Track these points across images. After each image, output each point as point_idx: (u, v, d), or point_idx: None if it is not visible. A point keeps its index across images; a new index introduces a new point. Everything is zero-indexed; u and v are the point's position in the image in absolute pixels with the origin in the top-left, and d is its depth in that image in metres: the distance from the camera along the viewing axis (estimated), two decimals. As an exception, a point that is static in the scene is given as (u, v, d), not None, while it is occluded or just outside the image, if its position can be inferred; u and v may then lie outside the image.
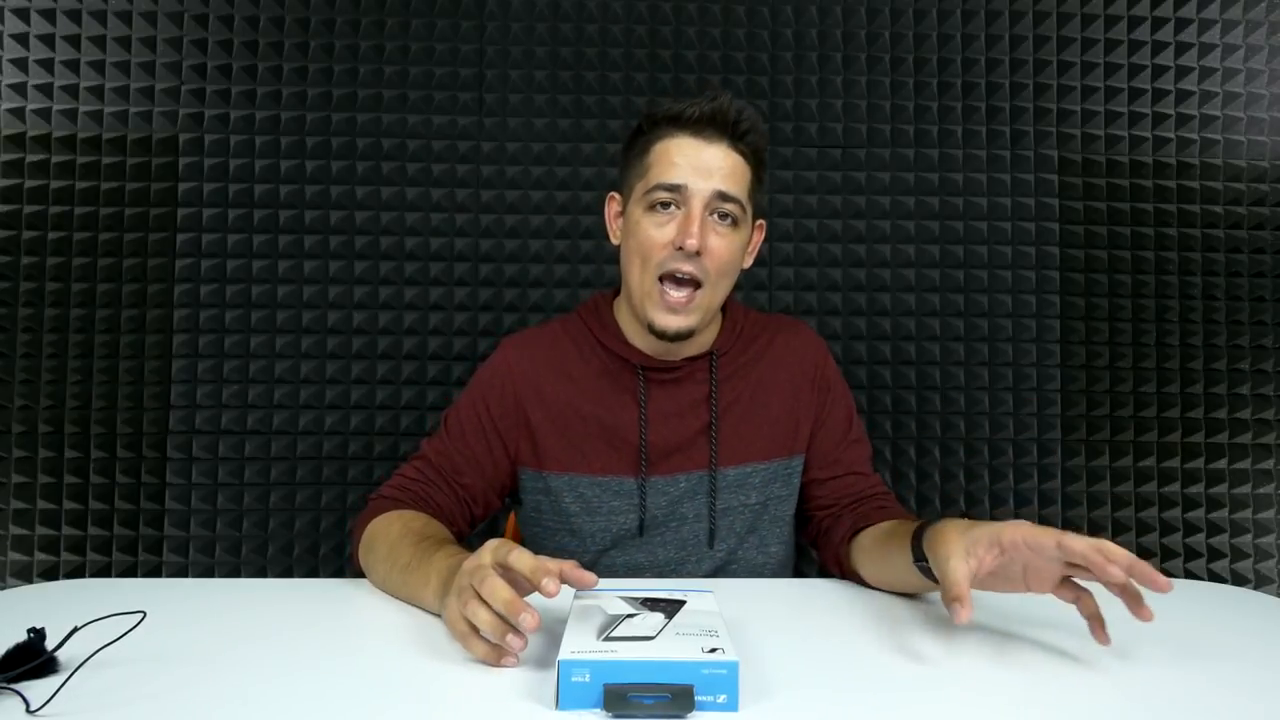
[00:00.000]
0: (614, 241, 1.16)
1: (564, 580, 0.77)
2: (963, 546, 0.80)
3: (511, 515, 1.40)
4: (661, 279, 1.07)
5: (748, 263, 1.16)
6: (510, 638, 0.74)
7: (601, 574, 1.13)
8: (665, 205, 1.06)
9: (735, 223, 1.08)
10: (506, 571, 0.77)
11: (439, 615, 0.85)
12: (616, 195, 1.16)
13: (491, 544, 0.79)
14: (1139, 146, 1.81)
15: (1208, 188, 1.81)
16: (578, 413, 1.15)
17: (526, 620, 0.72)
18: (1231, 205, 1.80)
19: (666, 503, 1.14)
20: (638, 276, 1.09)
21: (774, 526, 1.18)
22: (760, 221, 1.17)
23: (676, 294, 1.06)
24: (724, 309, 1.21)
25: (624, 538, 1.14)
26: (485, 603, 0.75)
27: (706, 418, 1.15)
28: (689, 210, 1.05)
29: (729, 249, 1.07)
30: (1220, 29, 1.80)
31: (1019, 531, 0.79)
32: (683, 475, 1.14)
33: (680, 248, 1.04)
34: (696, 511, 1.15)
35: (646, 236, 1.07)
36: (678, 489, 1.14)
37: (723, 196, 1.05)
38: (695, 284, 1.07)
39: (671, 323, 1.07)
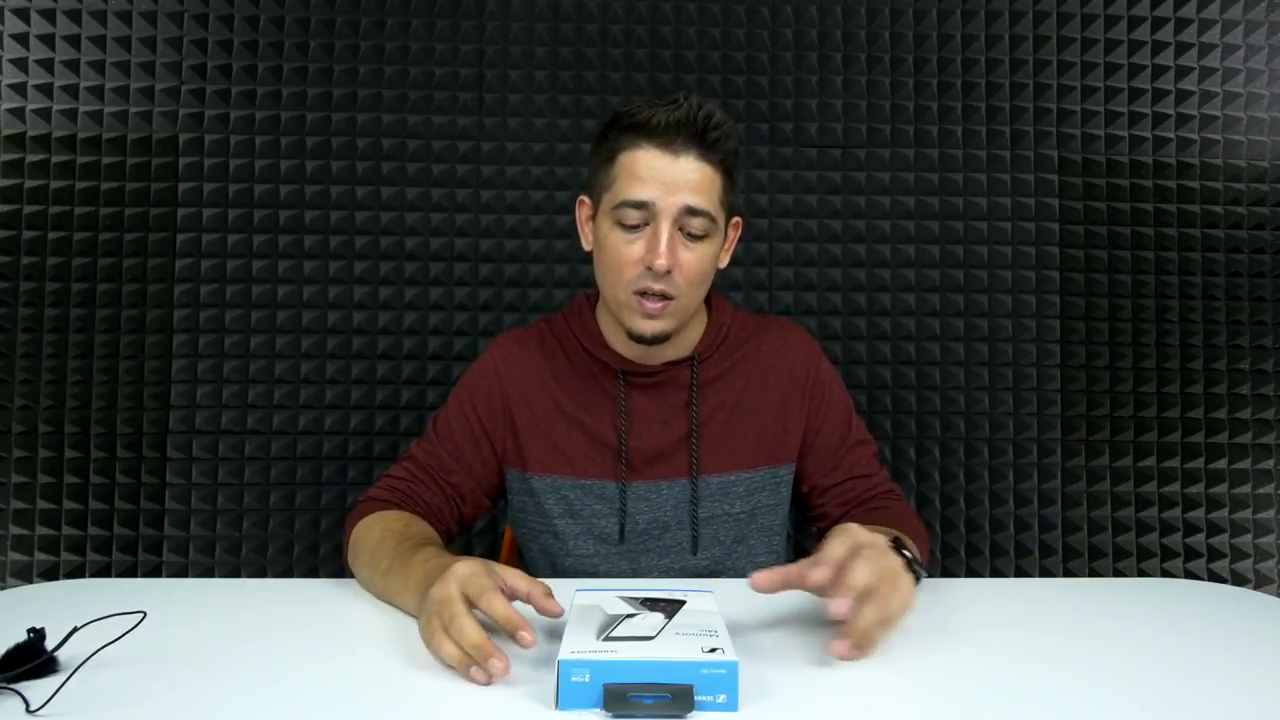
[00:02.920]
0: (586, 247, 1.12)
1: (529, 601, 0.77)
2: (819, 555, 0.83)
3: (508, 526, 1.40)
4: (635, 293, 1.04)
5: (724, 262, 1.13)
6: (474, 671, 0.72)
7: (583, 579, 1.11)
8: (633, 223, 1.03)
9: (706, 235, 1.04)
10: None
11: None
12: (586, 199, 1.12)
13: (461, 572, 0.77)
14: (1139, 146, 1.81)
15: (1208, 188, 1.81)
16: (562, 414, 1.14)
17: (495, 666, 0.71)
18: (1231, 205, 1.80)
19: (649, 509, 1.13)
20: (611, 290, 1.07)
21: (763, 536, 1.17)
22: (736, 219, 1.13)
23: (651, 304, 1.04)
24: (710, 309, 1.19)
25: (605, 542, 1.13)
26: (454, 639, 0.73)
27: (688, 424, 1.13)
28: (656, 228, 1.01)
29: (699, 261, 1.04)
30: (1220, 29, 1.80)
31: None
32: (665, 482, 1.13)
33: (650, 268, 1.01)
34: (679, 519, 1.13)
35: (617, 253, 1.04)
36: (660, 495, 1.13)
37: (691, 211, 1.02)
38: (667, 298, 1.04)
39: (649, 327, 1.05)
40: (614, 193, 1.03)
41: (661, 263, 1.00)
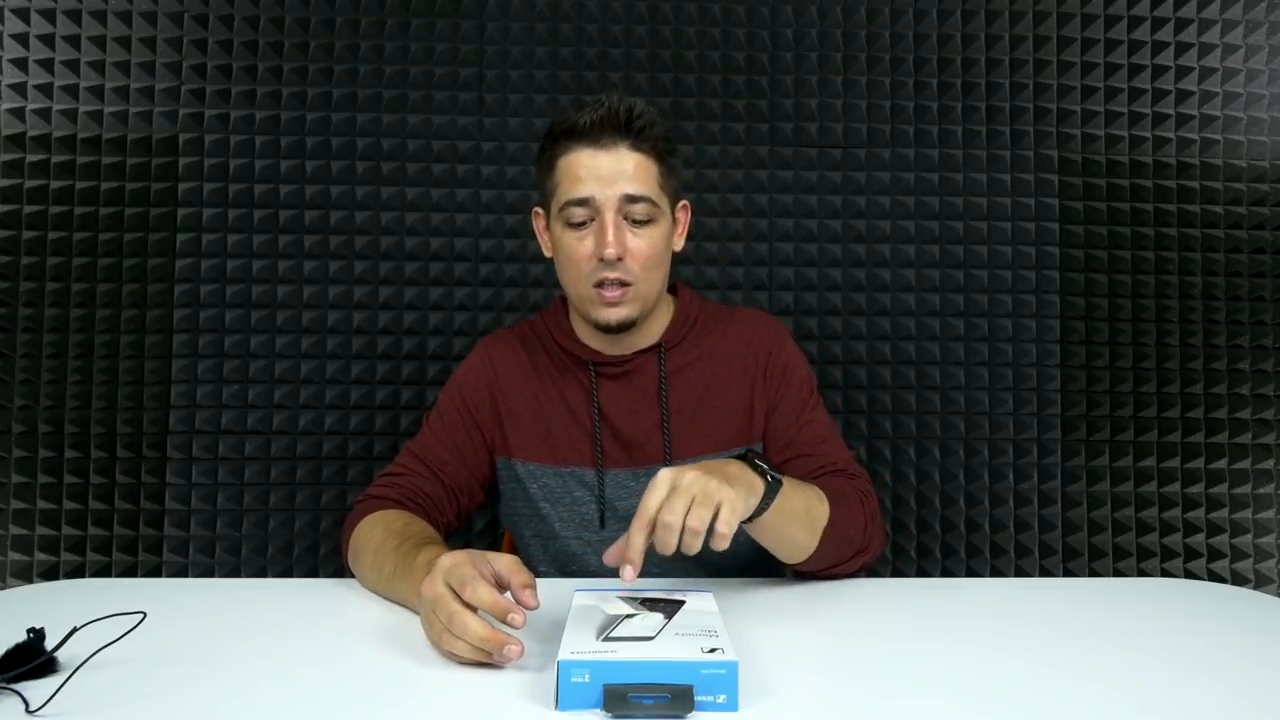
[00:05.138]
0: (546, 254, 1.20)
1: (507, 589, 0.78)
2: None
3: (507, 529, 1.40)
4: (595, 286, 1.11)
5: (679, 245, 1.20)
6: (495, 657, 0.74)
7: (570, 562, 1.17)
8: (580, 220, 1.10)
9: (651, 219, 1.11)
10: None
11: None
12: (540, 210, 1.20)
13: (445, 564, 0.78)
14: (1139, 146, 1.81)
15: (1208, 188, 1.80)
16: (542, 405, 1.19)
17: (511, 652, 0.73)
18: (1231, 205, 1.80)
19: (627, 495, 1.16)
20: (573, 288, 1.14)
21: None
22: (683, 203, 1.20)
23: (610, 293, 1.10)
24: (675, 298, 1.24)
25: (588, 529, 1.17)
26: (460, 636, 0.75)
27: (659, 411, 1.17)
28: (602, 220, 1.09)
29: (650, 246, 1.11)
30: (1220, 29, 1.80)
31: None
32: (643, 470, 1.16)
33: (602, 259, 1.08)
34: None
35: (572, 252, 1.11)
36: (638, 482, 1.16)
37: (631, 199, 1.09)
38: (624, 284, 1.10)
39: (613, 315, 1.11)
40: (558, 197, 1.11)
41: (611, 251, 1.07)
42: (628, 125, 1.09)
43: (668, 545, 0.80)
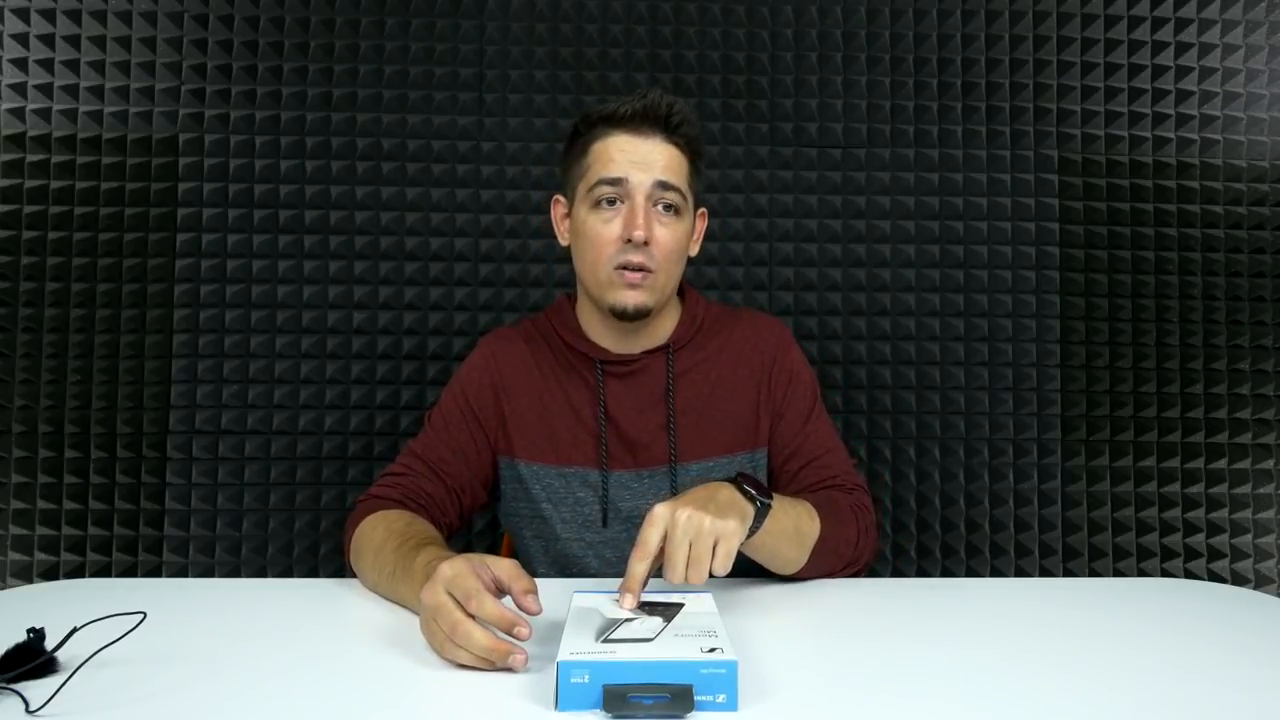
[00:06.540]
0: (563, 243, 1.21)
1: (508, 594, 0.78)
2: None
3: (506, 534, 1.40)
4: (616, 269, 1.11)
5: (694, 250, 1.20)
6: (500, 664, 0.74)
7: (571, 565, 1.17)
8: (610, 201, 1.10)
9: (678, 211, 1.12)
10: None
11: None
12: (561, 198, 1.20)
13: (446, 574, 0.77)
14: (1139, 146, 1.81)
15: (1208, 188, 1.80)
16: (546, 404, 1.19)
17: (516, 660, 0.73)
18: (1231, 205, 1.80)
19: (630, 496, 1.17)
20: (592, 272, 1.13)
21: None
22: (702, 210, 1.22)
23: (632, 275, 1.10)
24: (682, 300, 1.24)
25: (589, 529, 1.17)
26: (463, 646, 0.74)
27: (666, 413, 1.17)
28: (632, 203, 1.10)
29: (674, 237, 1.12)
30: (1220, 29, 1.80)
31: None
32: (646, 471, 1.17)
33: (629, 240, 1.09)
34: None
35: (596, 234, 1.11)
36: (641, 484, 1.17)
37: (663, 186, 1.10)
38: (646, 270, 1.11)
39: (631, 297, 1.11)
40: (589, 178, 1.12)
41: (640, 233, 1.08)
42: (667, 119, 1.11)
43: (675, 581, 0.83)
